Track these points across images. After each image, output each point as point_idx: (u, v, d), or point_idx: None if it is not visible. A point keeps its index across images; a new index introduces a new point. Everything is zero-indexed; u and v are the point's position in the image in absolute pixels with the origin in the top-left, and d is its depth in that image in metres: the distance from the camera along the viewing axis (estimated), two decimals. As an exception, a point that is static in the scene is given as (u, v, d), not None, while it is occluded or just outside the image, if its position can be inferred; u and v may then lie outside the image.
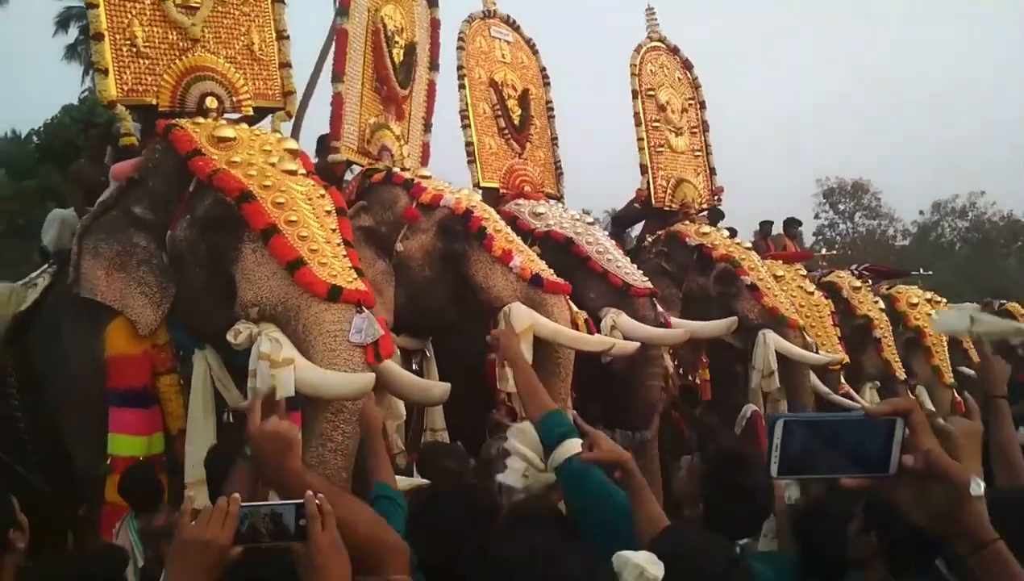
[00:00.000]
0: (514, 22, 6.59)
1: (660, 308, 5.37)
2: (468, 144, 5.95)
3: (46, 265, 4.64)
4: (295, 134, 18.09)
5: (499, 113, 6.19)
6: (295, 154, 3.77)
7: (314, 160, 4.38)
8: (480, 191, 5.63)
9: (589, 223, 5.63)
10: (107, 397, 3.53)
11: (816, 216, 35.51)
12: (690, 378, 6.16)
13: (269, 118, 4.44)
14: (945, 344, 7.43)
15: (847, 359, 6.84)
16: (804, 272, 7.57)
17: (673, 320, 5.47)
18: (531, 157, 6.37)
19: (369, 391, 3.03)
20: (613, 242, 5.64)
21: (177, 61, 4.11)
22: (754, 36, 65.36)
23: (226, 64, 4.23)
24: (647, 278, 5.46)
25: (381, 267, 4.30)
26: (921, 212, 36.74)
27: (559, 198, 6.39)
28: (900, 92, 54.27)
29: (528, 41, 6.65)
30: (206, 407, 3.52)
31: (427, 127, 5.65)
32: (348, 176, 5.16)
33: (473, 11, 6.32)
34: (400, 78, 5.16)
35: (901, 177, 49.66)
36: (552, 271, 4.49)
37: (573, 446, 2.26)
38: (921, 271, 12.58)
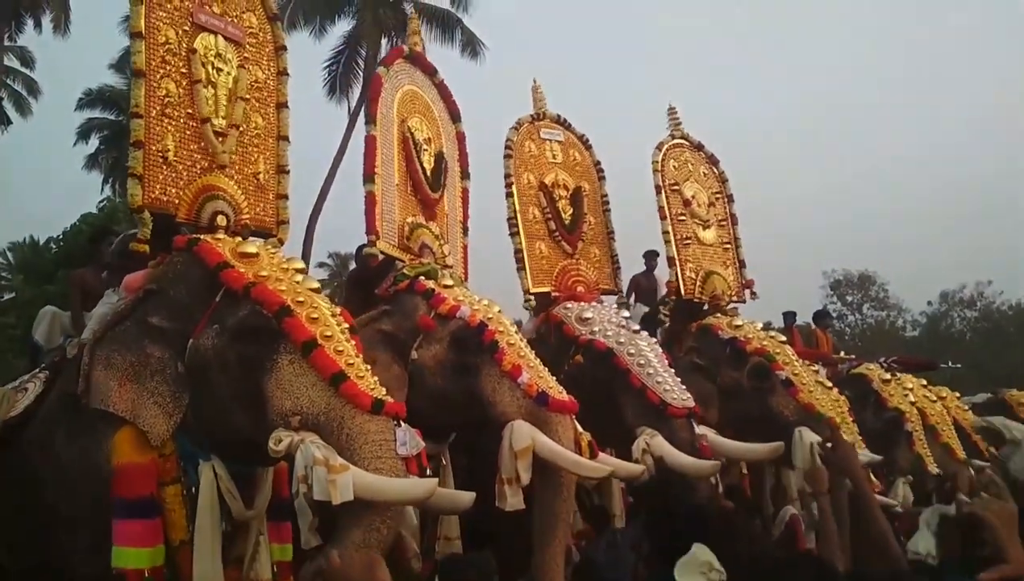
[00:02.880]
0: (565, 121, 6.74)
1: (699, 428, 5.14)
2: (517, 251, 6.04)
3: (37, 369, 4.58)
4: (307, 246, 18.49)
5: (549, 216, 6.27)
6: (304, 273, 3.89)
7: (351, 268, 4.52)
8: (531, 298, 5.75)
9: (635, 331, 5.45)
10: (113, 507, 3.43)
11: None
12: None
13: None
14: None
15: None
16: (817, 368, 7.42)
17: (712, 438, 5.23)
18: (584, 255, 6.41)
19: (432, 496, 3.21)
20: (659, 352, 5.42)
21: (199, 179, 4.30)
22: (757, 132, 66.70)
23: (235, 187, 4.44)
24: (686, 389, 5.18)
25: (395, 372, 4.32)
26: (929, 302, 36.68)
27: (616, 293, 6.38)
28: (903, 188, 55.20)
29: (581, 137, 6.82)
30: (214, 518, 3.46)
31: (465, 230, 5.82)
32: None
33: (520, 116, 6.47)
34: (431, 182, 5.42)
35: (907, 268, 49.75)
36: (560, 389, 4.46)
37: None
38: (950, 364, 12.38)
